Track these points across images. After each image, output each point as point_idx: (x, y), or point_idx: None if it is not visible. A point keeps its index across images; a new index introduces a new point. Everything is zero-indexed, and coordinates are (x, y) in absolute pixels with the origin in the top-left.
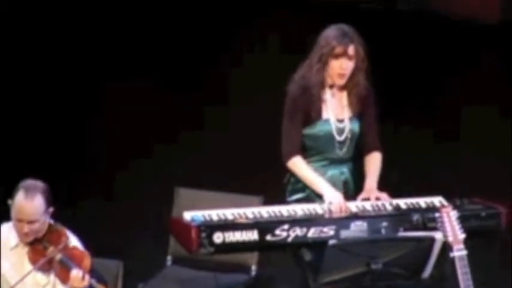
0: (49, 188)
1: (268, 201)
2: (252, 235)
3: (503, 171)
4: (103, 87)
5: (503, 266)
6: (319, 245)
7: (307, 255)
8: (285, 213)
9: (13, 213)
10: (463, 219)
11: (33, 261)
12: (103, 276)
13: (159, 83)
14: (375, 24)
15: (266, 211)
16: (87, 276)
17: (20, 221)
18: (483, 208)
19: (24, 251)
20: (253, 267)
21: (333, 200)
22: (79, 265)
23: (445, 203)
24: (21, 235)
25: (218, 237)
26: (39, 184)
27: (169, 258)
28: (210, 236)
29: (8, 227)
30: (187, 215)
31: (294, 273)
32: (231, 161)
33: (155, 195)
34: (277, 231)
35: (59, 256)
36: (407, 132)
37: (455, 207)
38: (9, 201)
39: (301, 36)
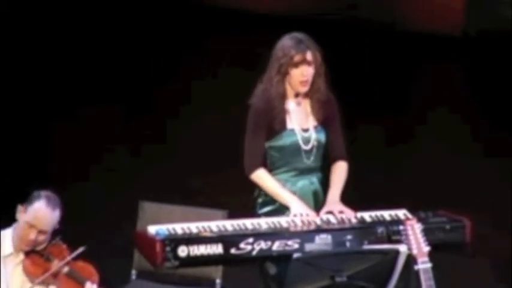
0: None
1: (233, 215)
2: (217, 249)
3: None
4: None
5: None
6: (283, 258)
7: (272, 269)
8: (250, 227)
9: (26, 217)
10: (427, 232)
11: (31, 273)
12: None
13: (120, 105)
14: (336, 35)
15: (230, 224)
16: None
17: (32, 227)
18: (448, 221)
19: (17, 260)
20: (218, 281)
21: (298, 212)
22: (90, 278)
23: (409, 215)
24: (25, 241)
25: (183, 251)
26: (57, 198)
27: (133, 272)
28: (174, 250)
29: (2, 235)
30: (152, 229)
31: (258, 286)
32: (195, 176)
33: (119, 210)
34: (242, 245)
35: (66, 269)
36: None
37: (419, 220)
38: (21, 207)
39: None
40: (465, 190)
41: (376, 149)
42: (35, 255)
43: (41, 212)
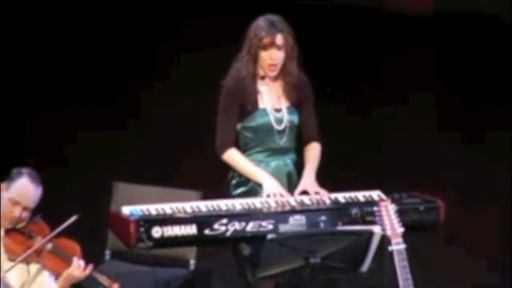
0: None
1: (207, 196)
2: (191, 229)
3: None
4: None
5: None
6: (257, 239)
7: (246, 250)
8: (224, 208)
9: (10, 194)
10: (401, 213)
11: (11, 250)
12: None
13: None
14: (311, 18)
15: (205, 205)
16: (90, 266)
17: (17, 203)
18: (422, 202)
19: None
20: (192, 262)
21: (271, 189)
22: (75, 254)
23: (383, 196)
24: (8, 219)
25: (157, 232)
26: (38, 174)
27: (107, 252)
28: (148, 231)
29: None
30: (126, 210)
31: (232, 267)
32: (170, 156)
33: (93, 190)
34: (216, 226)
35: (49, 246)
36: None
37: (393, 201)
38: (3, 184)
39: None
40: (439, 170)
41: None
42: (15, 233)
43: (26, 189)
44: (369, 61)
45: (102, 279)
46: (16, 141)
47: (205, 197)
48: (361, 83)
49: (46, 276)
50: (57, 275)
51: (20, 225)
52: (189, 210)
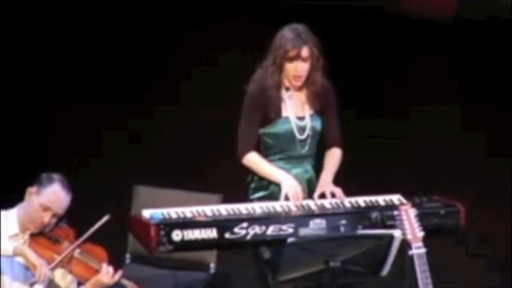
0: None
1: (227, 200)
2: (211, 233)
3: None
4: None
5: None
6: (278, 243)
7: (266, 253)
8: (244, 211)
9: (41, 200)
10: (422, 217)
11: (39, 256)
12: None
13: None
14: (331, 22)
15: (225, 209)
16: (119, 272)
17: (47, 209)
18: (442, 206)
19: (22, 241)
20: (212, 265)
21: (289, 188)
22: (102, 260)
23: (404, 200)
24: (36, 223)
25: (177, 235)
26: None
27: (128, 256)
28: (169, 234)
29: (4, 215)
30: (146, 213)
31: (252, 271)
32: (190, 160)
33: (114, 194)
34: (236, 229)
35: (78, 251)
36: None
37: (414, 205)
38: (31, 188)
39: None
40: (459, 176)
41: (369, 135)
42: (41, 237)
43: (57, 195)
44: (394, 64)
45: (130, 286)
46: (38, 144)
47: (226, 200)
48: (387, 86)
49: (69, 280)
50: (83, 281)
51: (35, 231)
52: (209, 213)
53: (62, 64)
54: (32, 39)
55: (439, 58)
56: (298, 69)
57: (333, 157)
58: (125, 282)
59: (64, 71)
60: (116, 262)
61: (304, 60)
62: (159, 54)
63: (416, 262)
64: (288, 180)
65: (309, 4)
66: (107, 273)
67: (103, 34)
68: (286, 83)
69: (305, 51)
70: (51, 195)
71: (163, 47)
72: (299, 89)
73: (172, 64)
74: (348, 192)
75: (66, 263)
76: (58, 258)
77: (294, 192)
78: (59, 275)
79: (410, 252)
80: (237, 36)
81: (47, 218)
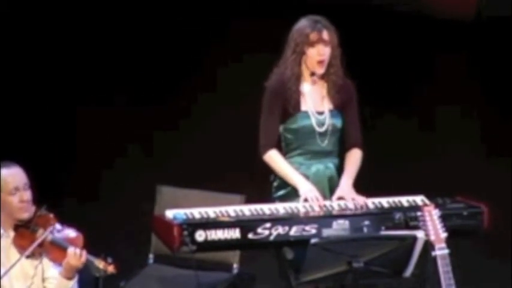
0: None
1: (250, 200)
2: (234, 233)
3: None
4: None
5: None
6: (301, 243)
7: (289, 254)
8: (267, 212)
9: (4, 188)
10: (445, 218)
11: (20, 246)
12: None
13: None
14: (356, 21)
15: (248, 209)
16: (84, 253)
17: (17, 190)
18: (465, 207)
19: (9, 240)
20: (235, 266)
21: (307, 193)
22: (73, 243)
23: (427, 201)
24: (22, 208)
25: (200, 235)
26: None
27: (151, 256)
28: (192, 234)
29: None
30: (170, 213)
31: (275, 271)
32: (213, 160)
33: (137, 194)
34: (259, 230)
35: (50, 237)
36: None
37: (437, 206)
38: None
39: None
40: (482, 179)
41: (393, 136)
42: (22, 228)
43: (11, 173)
44: (422, 65)
45: (98, 262)
46: (63, 144)
47: (249, 201)
48: (414, 88)
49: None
50: (60, 265)
51: (26, 216)
52: (232, 214)
53: (87, 65)
54: (57, 39)
55: (461, 57)
56: (321, 52)
57: (353, 159)
58: (93, 260)
59: (89, 72)
60: (139, 262)
61: (325, 44)
62: (185, 54)
63: (439, 263)
64: (305, 185)
65: (332, 4)
66: (73, 255)
67: (129, 35)
68: (306, 74)
69: (326, 35)
70: (7, 177)
71: (190, 47)
72: (319, 80)
73: (197, 64)
74: (369, 194)
75: (40, 250)
76: (31, 247)
77: (314, 196)
78: (28, 265)
79: (433, 253)
80: (264, 37)
81: (25, 195)
